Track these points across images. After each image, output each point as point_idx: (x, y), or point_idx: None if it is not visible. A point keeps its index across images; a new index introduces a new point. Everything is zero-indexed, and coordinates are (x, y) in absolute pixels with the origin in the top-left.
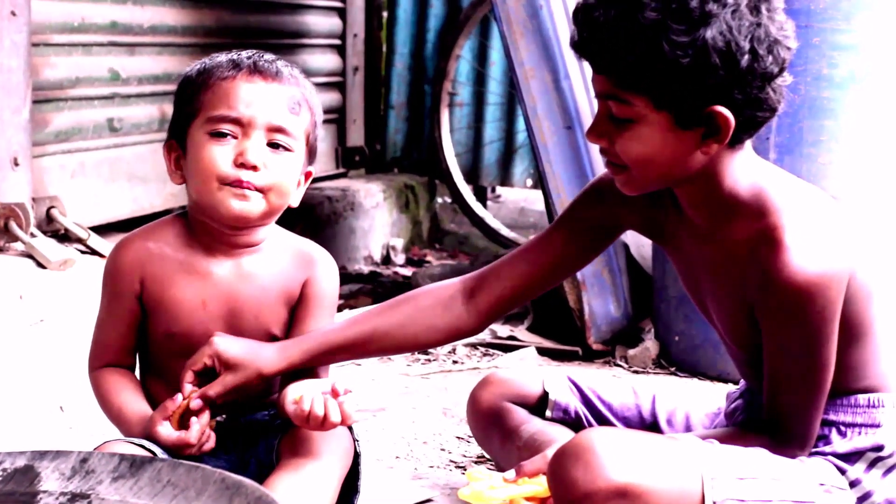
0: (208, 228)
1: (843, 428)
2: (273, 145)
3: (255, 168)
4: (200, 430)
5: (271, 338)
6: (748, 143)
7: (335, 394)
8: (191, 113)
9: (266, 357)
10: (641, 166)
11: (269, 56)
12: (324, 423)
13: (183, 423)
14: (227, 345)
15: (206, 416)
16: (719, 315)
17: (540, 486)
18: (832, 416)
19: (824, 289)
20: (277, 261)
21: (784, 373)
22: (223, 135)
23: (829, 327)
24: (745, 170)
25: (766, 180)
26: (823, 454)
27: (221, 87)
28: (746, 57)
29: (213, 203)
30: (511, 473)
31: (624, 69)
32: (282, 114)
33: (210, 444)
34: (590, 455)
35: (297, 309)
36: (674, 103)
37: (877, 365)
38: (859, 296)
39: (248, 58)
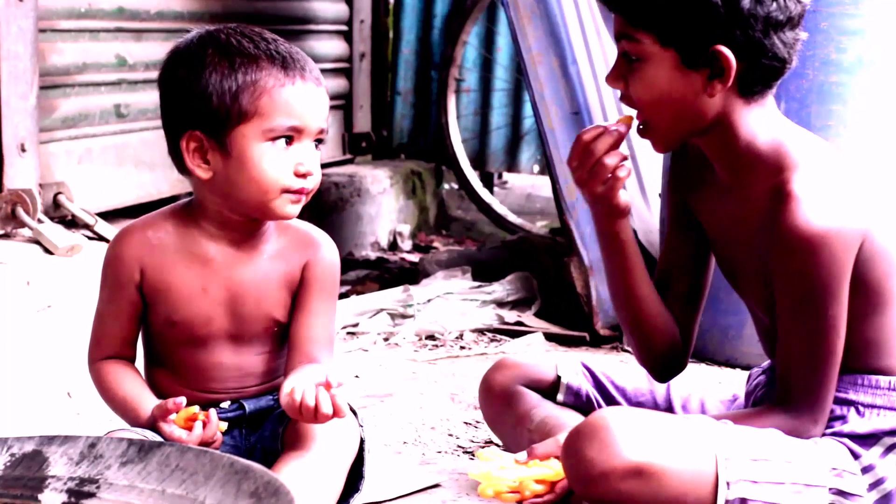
0: (224, 217)
1: (861, 408)
2: (315, 142)
3: (310, 174)
4: (206, 437)
5: (275, 322)
6: (770, 100)
7: (328, 386)
8: (240, 113)
9: None
10: (653, 109)
11: (296, 50)
12: (316, 415)
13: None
14: None
15: (213, 419)
16: (744, 279)
17: (550, 469)
18: (852, 395)
19: (831, 242)
20: (278, 244)
21: (793, 334)
22: (280, 140)
23: (837, 285)
24: (764, 124)
25: (786, 137)
26: (840, 434)
27: (281, 94)
28: None
29: (266, 207)
30: (523, 455)
31: (631, 5)
32: (325, 117)
33: (216, 444)
34: (605, 434)
35: (298, 293)
36: (678, 40)
37: None
38: (877, 260)
39: (290, 56)
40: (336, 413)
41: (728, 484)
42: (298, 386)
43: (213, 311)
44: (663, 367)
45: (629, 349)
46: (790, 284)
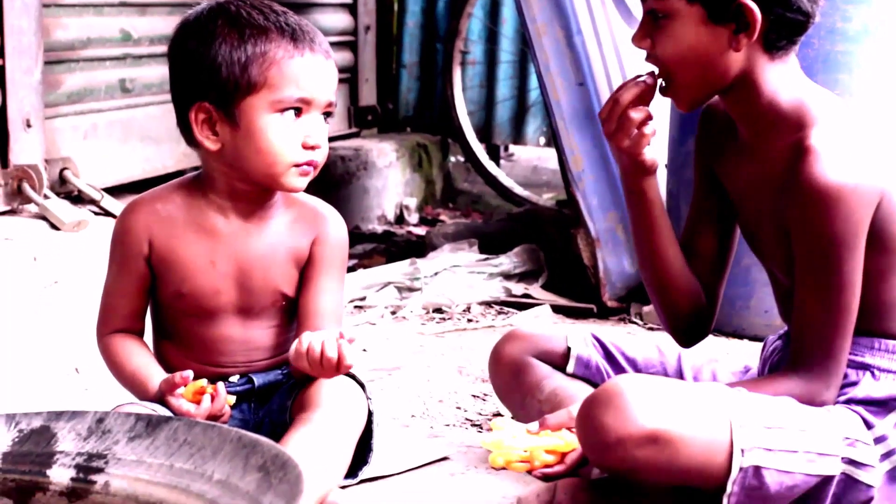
0: (233, 189)
1: (877, 373)
2: (323, 115)
3: (318, 146)
4: (215, 410)
5: (282, 296)
6: (793, 59)
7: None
8: (249, 84)
9: None
10: (679, 65)
11: (306, 22)
12: (322, 362)
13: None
14: None
15: (221, 392)
16: (764, 239)
17: (561, 440)
18: (868, 359)
19: (848, 196)
20: (286, 219)
21: (808, 290)
22: (288, 111)
23: (853, 239)
24: (786, 82)
25: (808, 95)
26: (855, 400)
27: (290, 66)
28: None
29: (274, 179)
30: (534, 425)
31: None
32: (334, 90)
33: (225, 418)
34: (620, 401)
35: (306, 267)
36: None
37: None
38: (894, 216)
39: (300, 28)
40: (341, 360)
41: (742, 451)
42: (316, 338)
43: (221, 284)
44: (687, 331)
45: (637, 321)
46: (807, 238)
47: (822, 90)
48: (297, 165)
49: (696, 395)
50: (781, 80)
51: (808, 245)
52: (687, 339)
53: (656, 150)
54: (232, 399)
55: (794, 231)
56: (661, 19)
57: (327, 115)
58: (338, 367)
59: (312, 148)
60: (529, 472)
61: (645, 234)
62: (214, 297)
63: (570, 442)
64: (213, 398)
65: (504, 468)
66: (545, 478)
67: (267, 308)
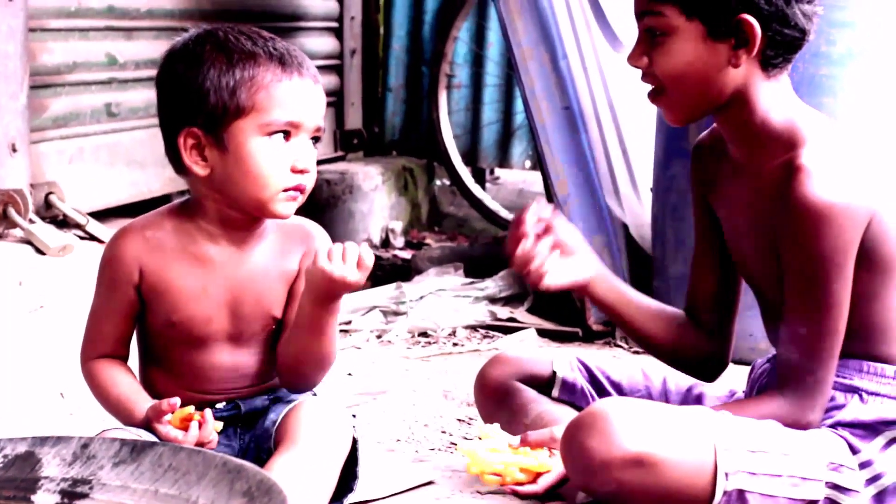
0: (223, 216)
1: (865, 396)
2: (311, 140)
3: (307, 170)
4: (202, 438)
5: (273, 320)
6: (786, 79)
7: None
8: (238, 109)
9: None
10: (677, 82)
11: (294, 48)
12: (345, 258)
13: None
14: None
15: (209, 419)
16: (754, 261)
17: (535, 460)
18: (856, 381)
19: (838, 215)
20: (275, 241)
21: (796, 310)
22: (277, 135)
23: (842, 259)
24: (779, 102)
25: (800, 115)
26: (842, 423)
27: (278, 89)
28: None
29: (264, 204)
30: (516, 440)
31: None
32: (322, 115)
33: (212, 445)
34: (605, 424)
35: (295, 281)
36: (703, 10)
37: None
38: (885, 240)
39: (288, 53)
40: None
41: (727, 475)
42: (335, 246)
43: (213, 311)
44: (703, 371)
45: (622, 344)
46: (796, 256)
47: (813, 111)
48: (287, 190)
49: (681, 418)
50: (774, 98)
51: (798, 263)
52: (706, 377)
53: (567, 271)
54: (219, 426)
55: (783, 249)
56: (659, 37)
57: (316, 140)
58: (359, 265)
59: (301, 172)
60: (502, 486)
61: (618, 321)
62: (206, 325)
63: (543, 463)
64: (200, 425)
65: (479, 477)
66: (517, 496)
67: (257, 333)
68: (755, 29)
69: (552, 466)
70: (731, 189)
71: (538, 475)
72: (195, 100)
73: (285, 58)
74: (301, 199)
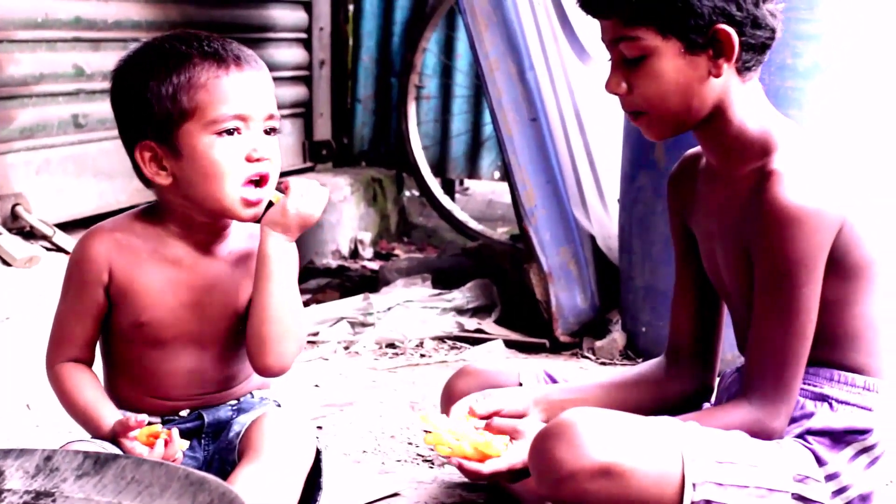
0: (189, 219)
1: (835, 404)
2: (267, 131)
3: (264, 158)
4: (168, 456)
5: (239, 319)
6: (757, 83)
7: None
8: (182, 113)
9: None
10: (660, 102)
11: (230, 41)
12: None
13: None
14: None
15: (175, 438)
16: (727, 267)
17: (489, 444)
18: (826, 389)
19: (809, 220)
20: (238, 239)
21: (765, 314)
22: (229, 132)
23: (812, 263)
24: (754, 108)
25: (773, 124)
26: (812, 431)
27: (218, 85)
28: None
29: (225, 203)
30: (482, 423)
31: (627, 3)
32: (272, 99)
33: (177, 463)
34: (572, 434)
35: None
36: (679, 26)
37: (873, 342)
38: (855, 247)
39: (223, 48)
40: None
41: (694, 485)
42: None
43: (181, 312)
44: (691, 407)
45: (589, 355)
46: (766, 259)
47: (787, 119)
48: (248, 183)
49: (649, 428)
50: (750, 105)
51: (768, 266)
52: (695, 407)
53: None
54: (185, 444)
55: (754, 253)
56: (639, 61)
57: (273, 130)
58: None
59: (258, 161)
60: (448, 458)
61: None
62: (173, 327)
63: (492, 445)
64: (166, 443)
65: (433, 448)
66: (462, 472)
67: (222, 334)
68: (732, 37)
69: (501, 453)
70: (705, 198)
71: (486, 458)
72: (142, 113)
73: (219, 53)
74: (264, 200)
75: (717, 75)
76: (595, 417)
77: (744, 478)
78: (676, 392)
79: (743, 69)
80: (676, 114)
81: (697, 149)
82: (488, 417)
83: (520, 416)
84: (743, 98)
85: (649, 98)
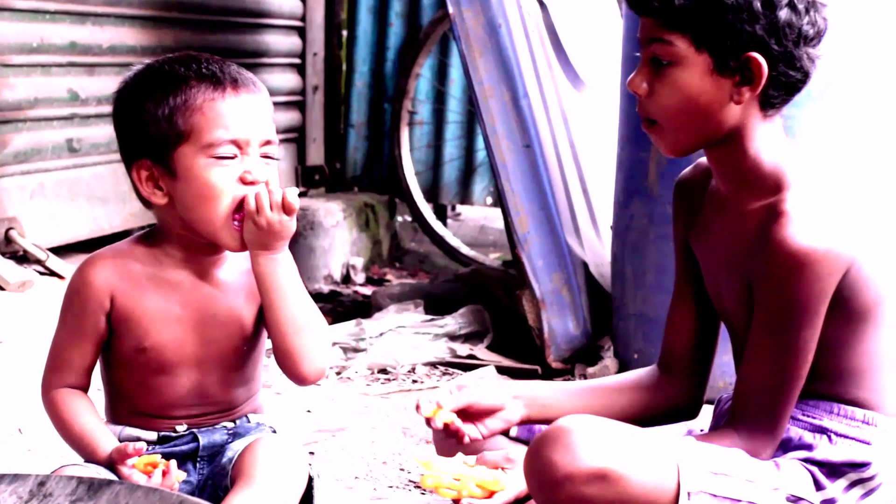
0: (187, 241)
1: (834, 437)
2: (264, 157)
3: (259, 181)
4: (165, 486)
5: (245, 341)
6: (779, 121)
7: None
8: (178, 135)
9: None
10: (675, 115)
11: (229, 64)
12: (284, 206)
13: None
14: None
15: (173, 469)
16: (730, 296)
17: (491, 476)
18: (825, 422)
19: (817, 262)
20: (239, 259)
21: (761, 350)
22: (225, 157)
23: (815, 306)
24: (770, 144)
25: (788, 160)
26: (811, 461)
27: (214, 108)
28: (785, 10)
29: (216, 226)
30: (472, 459)
31: (670, 6)
32: (269, 125)
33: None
34: (569, 438)
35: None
36: (714, 43)
37: (876, 378)
38: (862, 287)
39: (221, 70)
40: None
41: (689, 494)
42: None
43: (185, 336)
44: (676, 416)
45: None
46: (769, 298)
47: (803, 154)
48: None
49: (646, 436)
50: (767, 140)
51: (770, 305)
52: (686, 418)
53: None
54: (183, 476)
55: (757, 289)
56: (665, 66)
57: (269, 157)
58: (286, 208)
59: (252, 183)
60: (456, 501)
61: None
62: (177, 350)
63: (499, 480)
64: (164, 474)
65: (433, 491)
66: None
67: (227, 356)
68: (763, 68)
69: (507, 486)
70: (712, 223)
71: (493, 493)
72: (140, 134)
73: (216, 75)
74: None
75: (739, 102)
76: (592, 424)
77: (738, 491)
78: (664, 401)
79: (767, 104)
80: (688, 131)
81: None
82: (460, 412)
83: (494, 411)
84: (762, 132)
85: (665, 108)
